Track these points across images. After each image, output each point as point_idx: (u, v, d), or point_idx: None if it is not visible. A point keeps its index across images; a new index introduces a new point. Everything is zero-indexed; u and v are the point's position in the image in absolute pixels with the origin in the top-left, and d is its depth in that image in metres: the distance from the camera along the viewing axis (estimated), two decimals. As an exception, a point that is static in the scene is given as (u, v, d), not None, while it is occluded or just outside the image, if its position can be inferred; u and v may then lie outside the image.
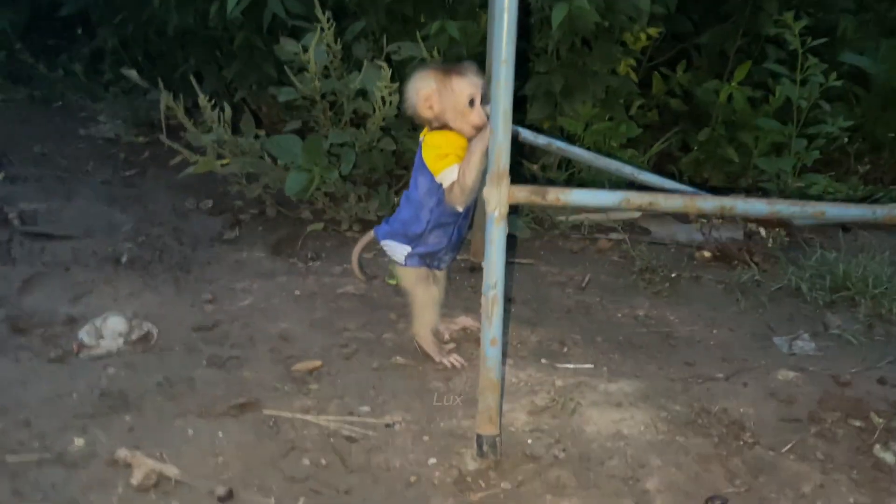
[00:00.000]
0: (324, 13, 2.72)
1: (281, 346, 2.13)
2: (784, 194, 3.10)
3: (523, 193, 1.57)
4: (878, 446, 1.71)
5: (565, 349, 2.13)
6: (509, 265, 2.66)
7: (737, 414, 1.82)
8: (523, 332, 2.22)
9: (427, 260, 1.98)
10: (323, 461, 1.64)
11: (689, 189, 2.18)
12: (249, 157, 2.84)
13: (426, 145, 1.87)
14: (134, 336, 2.10)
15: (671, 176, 3.06)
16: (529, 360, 2.07)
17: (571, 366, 2.03)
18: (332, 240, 2.91)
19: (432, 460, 1.65)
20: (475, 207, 2.02)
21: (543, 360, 2.06)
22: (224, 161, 2.84)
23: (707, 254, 2.81)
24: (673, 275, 2.62)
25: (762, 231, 2.78)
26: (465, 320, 2.23)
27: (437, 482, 1.59)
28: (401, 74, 2.81)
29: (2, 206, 3.14)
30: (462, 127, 1.83)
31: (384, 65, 2.60)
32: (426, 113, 1.85)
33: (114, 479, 1.56)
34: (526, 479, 1.60)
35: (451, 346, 2.14)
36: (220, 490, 1.54)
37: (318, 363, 2.03)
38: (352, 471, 1.62)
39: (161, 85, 2.91)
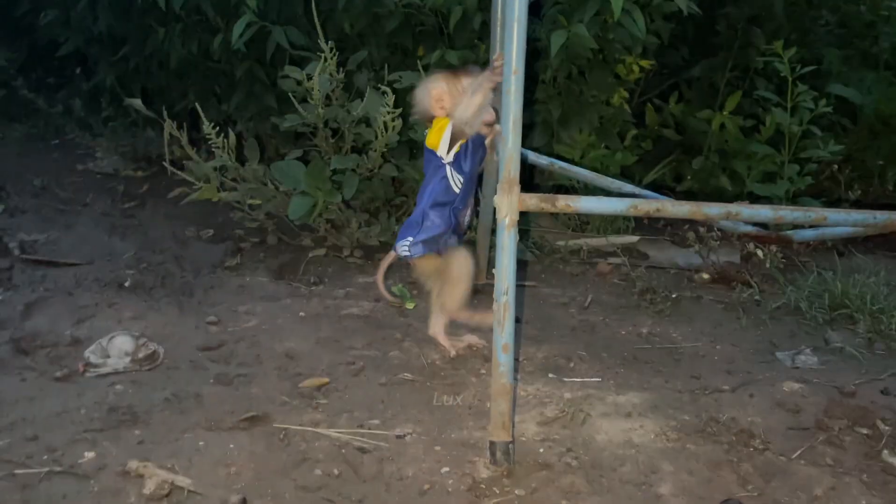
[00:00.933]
0: (326, 43, 2.78)
1: (287, 364, 2.13)
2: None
3: (533, 201, 1.60)
4: (885, 451, 1.72)
5: (572, 364, 2.14)
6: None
7: (745, 423, 1.83)
8: (530, 349, 2.23)
9: (431, 245, 2.04)
10: (335, 471, 1.63)
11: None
12: (253, 184, 2.87)
13: (430, 132, 1.97)
14: (140, 355, 2.10)
15: (667, 202, 3.12)
16: (537, 374, 2.08)
17: (579, 379, 2.04)
18: (333, 265, 2.93)
19: (445, 469, 1.65)
20: (475, 203, 2.10)
21: (551, 375, 2.07)
22: (227, 191, 2.87)
23: (706, 276, 2.84)
24: (674, 295, 2.65)
25: (759, 253, 2.82)
26: (470, 338, 2.24)
27: (450, 490, 1.58)
28: (402, 103, 2.87)
29: (1, 237, 3.14)
30: None
31: (388, 90, 2.65)
32: (438, 113, 1.94)
33: (126, 489, 1.55)
34: (539, 485, 1.59)
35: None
36: (234, 499, 1.53)
37: (325, 380, 2.03)
38: (364, 480, 1.61)
39: (165, 115, 2.94)
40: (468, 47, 3.08)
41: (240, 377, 2.04)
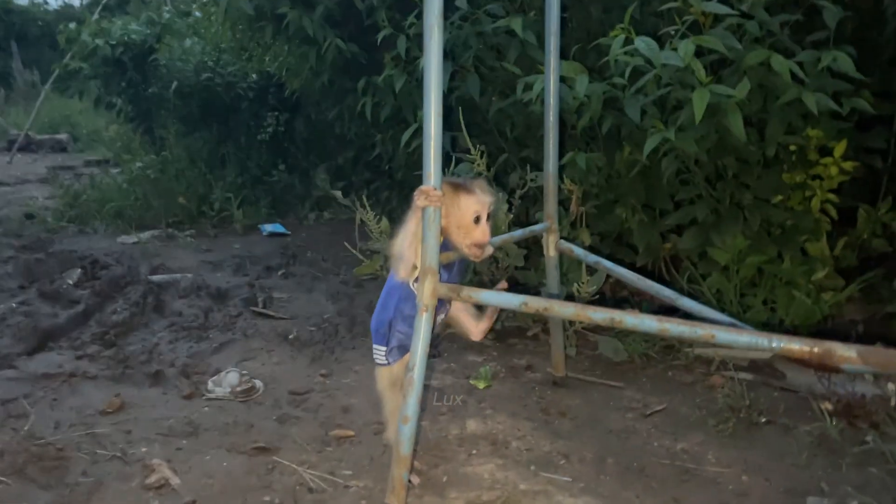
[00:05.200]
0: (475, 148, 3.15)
1: (338, 416, 2.50)
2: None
3: (443, 290, 1.79)
4: None
5: (564, 462, 2.14)
6: (591, 385, 2.67)
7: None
8: (542, 441, 2.26)
9: (404, 349, 1.97)
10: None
11: (727, 319, 1.97)
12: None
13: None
14: (239, 388, 2.66)
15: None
16: (521, 465, 2.12)
17: (550, 475, 2.05)
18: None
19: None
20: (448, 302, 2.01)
21: (532, 467, 2.10)
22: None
23: (829, 406, 2.47)
24: (763, 420, 2.38)
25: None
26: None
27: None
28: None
29: (255, 293, 4.04)
30: (461, 241, 1.89)
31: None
32: None
33: (134, 475, 2.08)
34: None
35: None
36: (188, 498, 1.96)
37: (350, 432, 2.35)
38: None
39: (366, 204, 3.56)
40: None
41: (293, 419, 2.47)
